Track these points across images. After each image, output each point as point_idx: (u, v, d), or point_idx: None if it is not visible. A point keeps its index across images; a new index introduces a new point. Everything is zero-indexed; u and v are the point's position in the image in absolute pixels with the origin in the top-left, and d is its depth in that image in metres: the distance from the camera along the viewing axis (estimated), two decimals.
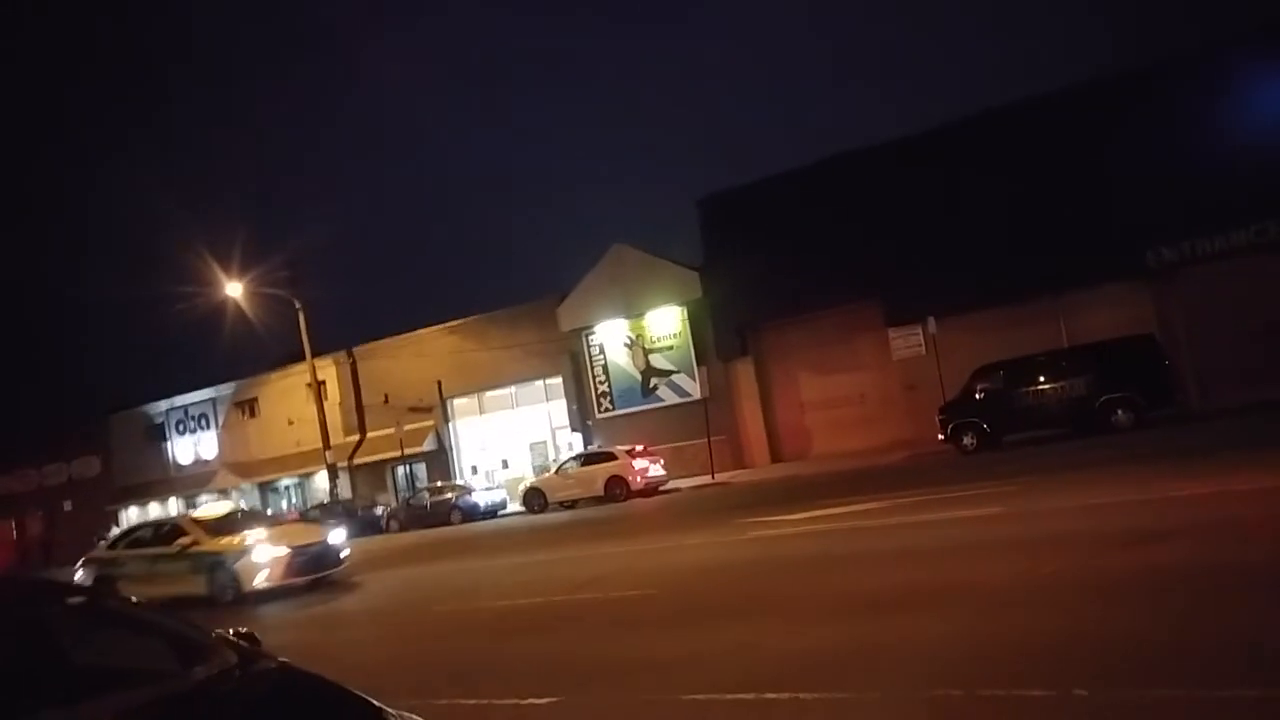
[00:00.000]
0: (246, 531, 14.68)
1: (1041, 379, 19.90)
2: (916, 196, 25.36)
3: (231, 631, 3.56)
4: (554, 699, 5.53)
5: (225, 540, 14.31)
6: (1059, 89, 24.76)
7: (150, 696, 2.86)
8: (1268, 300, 21.27)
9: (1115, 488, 10.61)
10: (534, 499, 25.89)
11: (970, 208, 24.55)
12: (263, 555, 13.90)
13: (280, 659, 3.36)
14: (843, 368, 28.20)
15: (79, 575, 15.61)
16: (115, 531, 38.17)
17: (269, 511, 36.51)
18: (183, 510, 42.44)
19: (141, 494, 43.13)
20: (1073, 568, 6.79)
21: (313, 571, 14.31)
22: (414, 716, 3.01)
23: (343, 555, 15.17)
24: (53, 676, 3.12)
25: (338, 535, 15.46)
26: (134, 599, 3.86)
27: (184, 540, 14.46)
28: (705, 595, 8.36)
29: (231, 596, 13.73)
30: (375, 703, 3.01)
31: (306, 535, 15.50)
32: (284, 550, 14.07)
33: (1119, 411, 18.69)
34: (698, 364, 29.55)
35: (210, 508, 17.21)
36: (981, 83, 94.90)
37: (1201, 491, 9.17)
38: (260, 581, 13.66)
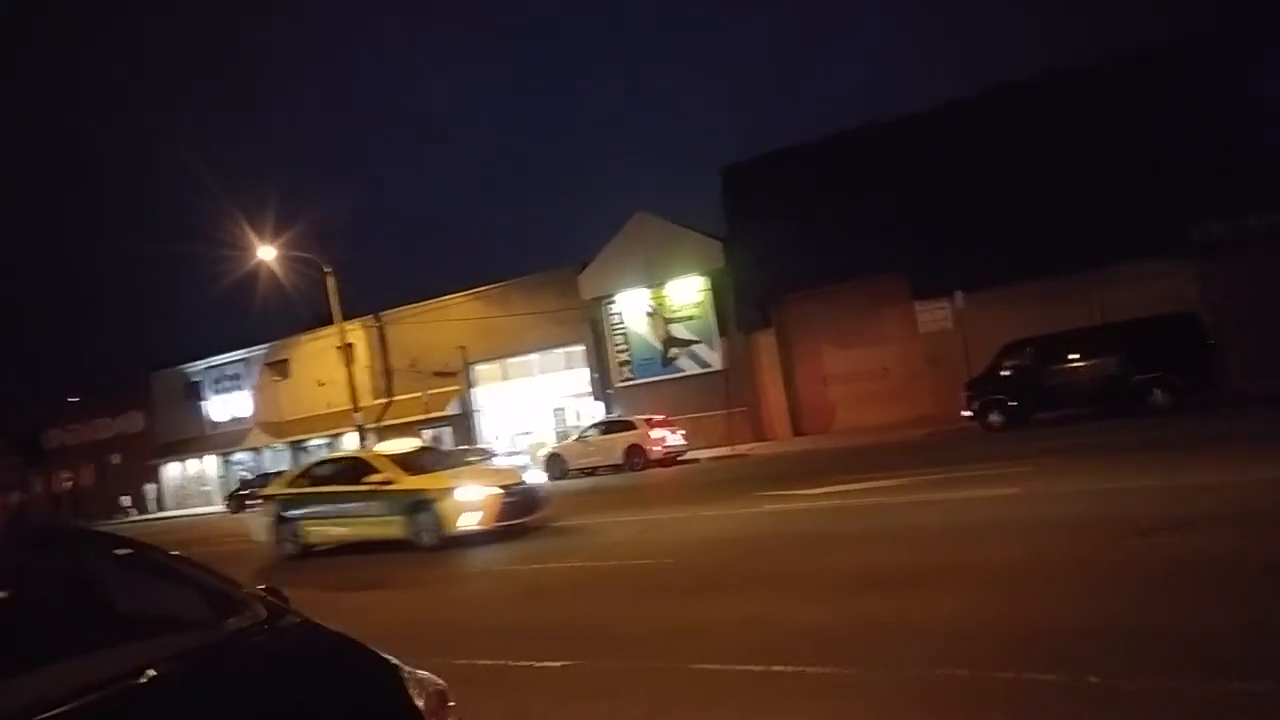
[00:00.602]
0: (445, 469, 13.39)
1: (1074, 356, 19.33)
2: (947, 167, 24.87)
3: (263, 588, 3.73)
4: (567, 662, 5.64)
5: (425, 478, 12.80)
6: (1103, 58, 24.05)
7: (187, 643, 3.03)
8: None
9: (1142, 471, 10.41)
10: (554, 465, 26.11)
11: (1003, 179, 23.95)
12: (471, 495, 12.29)
13: (304, 616, 3.48)
14: (867, 341, 28.00)
15: (258, 515, 14.51)
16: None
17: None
18: (219, 465, 43.56)
19: (180, 450, 44.50)
20: (1090, 552, 6.74)
21: (520, 516, 12.75)
22: (432, 675, 3.10)
23: (544, 500, 13.76)
24: (100, 622, 3.30)
25: (535, 477, 14.03)
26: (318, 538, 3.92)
27: (375, 478, 12.79)
28: (719, 566, 8.43)
29: (432, 541, 12.30)
30: (393, 660, 3.11)
31: (508, 476, 13.77)
32: (495, 490, 12.50)
33: (1155, 392, 17.98)
34: (719, 334, 29.49)
35: (395, 443, 14.83)
36: (1022, 52, 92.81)
37: (1232, 479, 9.00)
38: (467, 524, 12.13)
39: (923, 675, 4.49)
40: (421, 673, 3.07)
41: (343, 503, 13.17)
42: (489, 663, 5.89)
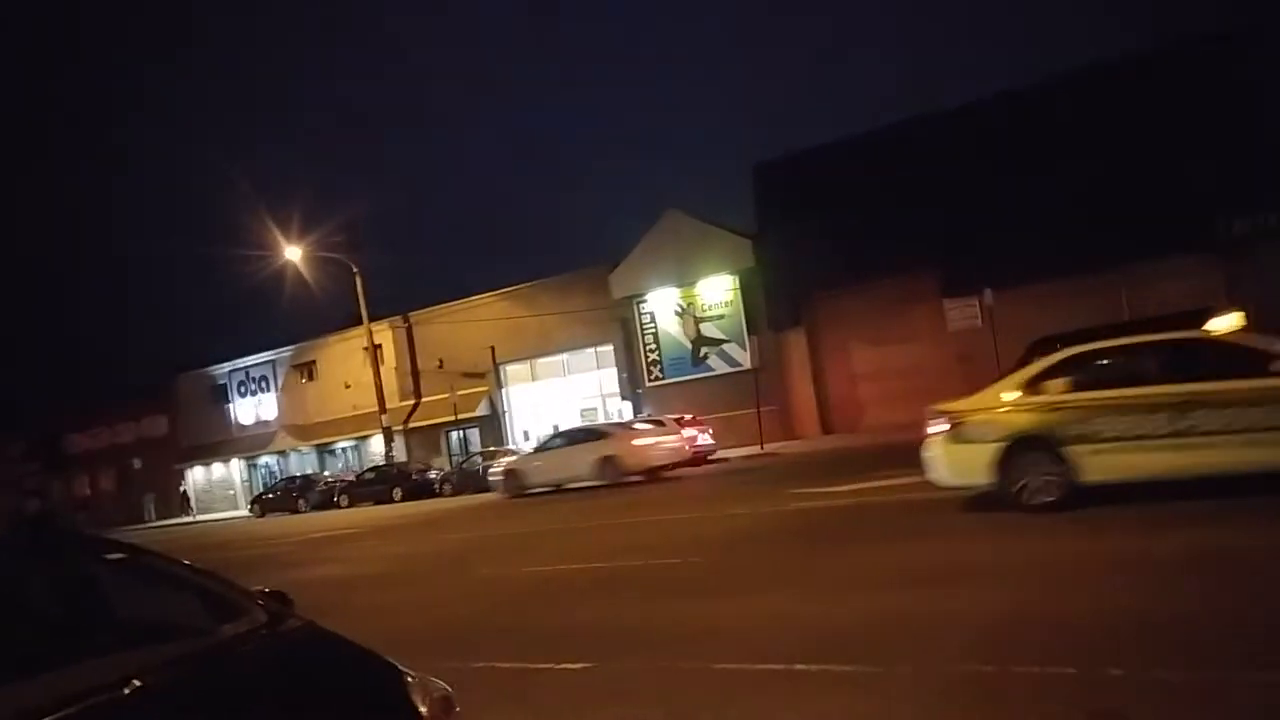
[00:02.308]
0: None
1: None
2: (976, 165, 24.72)
3: (266, 590, 3.66)
4: (588, 664, 5.58)
5: None
6: (1134, 54, 23.82)
7: (180, 651, 2.93)
8: None
9: None
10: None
11: (1033, 176, 23.79)
12: None
13: (306, 619, 3.43)
14: (896, 339, 27.74)
15: (963, 444, 9.05)
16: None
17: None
18: (243, 469, 43.83)
19: (206, 454, 44.64)
20: (1114, 547, 6.63)
21: None
22: (438, 681, 3.03)
23: None
24: (89, 631, 3.22)
25: None
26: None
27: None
28: (745, 564, 8.36)
29: None
30: (397, 665, 3.04)
31: None
32: None
33: None
34: (749, 333, 29.33)
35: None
36: (1054, 48, 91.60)
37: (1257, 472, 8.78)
38: None
39: (947, 671, 4.42)
40: (427, 678, 3.00)
41: (1206, 409, 7.59)
42: (509, 665, 5.85)
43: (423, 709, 2.83)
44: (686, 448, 22.50)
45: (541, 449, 23.47)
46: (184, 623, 3.31)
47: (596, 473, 21.15)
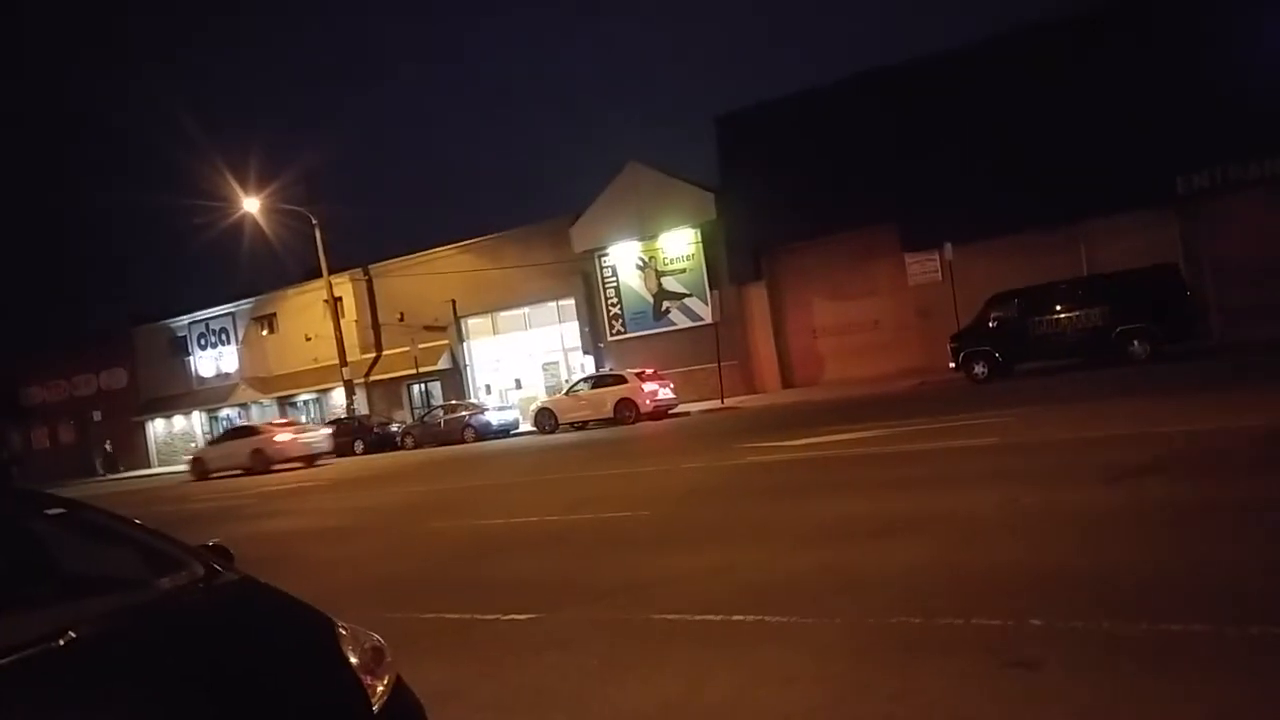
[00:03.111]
0: None
1: (1058, 308, 19.61)
2: (937, 119, 24.77)
3: (209, 545, 3.69)
4: (533, 615, 5.68)
5: None
6: (1087, 8, 23.84)
7: (117, 604, 2.97)
8: None
9: (1116, 420, 10.58)
10: (545, 419, 26.17)
11: (992, 131, 23.92)
12: None
13: (243, 573, 3.46)
14: (857, 293, 27.98)
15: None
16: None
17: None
18: (205, 421, 43.38)
19: (167, 406, 44.15)
20: (1056, 500, 6.81)
21: None
22: (371, 632, 3.08)
23: None
24: (26, 584, 3.24)
25: None
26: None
27: None
28: (693, 518, 8.49)
29: None
30: (331, 618, 3.09)
31: None
32: None
33: (1135, 343, 18.44)
34: (710, 287, 29.39)
35: None
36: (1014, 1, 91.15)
37: (1203, 427, 9.11)
38: None
39: (877, 623, 4.54)
40: (359, 629, 3.06)
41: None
42: (456, 616, 5.94)
43: (354, 659, 2.89)
44: (319, 441, 27.60)
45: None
46: (122, 576, 3.35)
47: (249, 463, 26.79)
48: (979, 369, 20.13)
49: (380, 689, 2.82)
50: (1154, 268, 19.45)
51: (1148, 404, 11.84)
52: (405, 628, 5.78)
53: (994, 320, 20.18)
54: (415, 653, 5.13)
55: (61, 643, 2.53)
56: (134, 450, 45.03)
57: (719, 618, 4.99)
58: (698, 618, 5.06)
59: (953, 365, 20.69)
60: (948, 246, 23.81)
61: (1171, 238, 22.71)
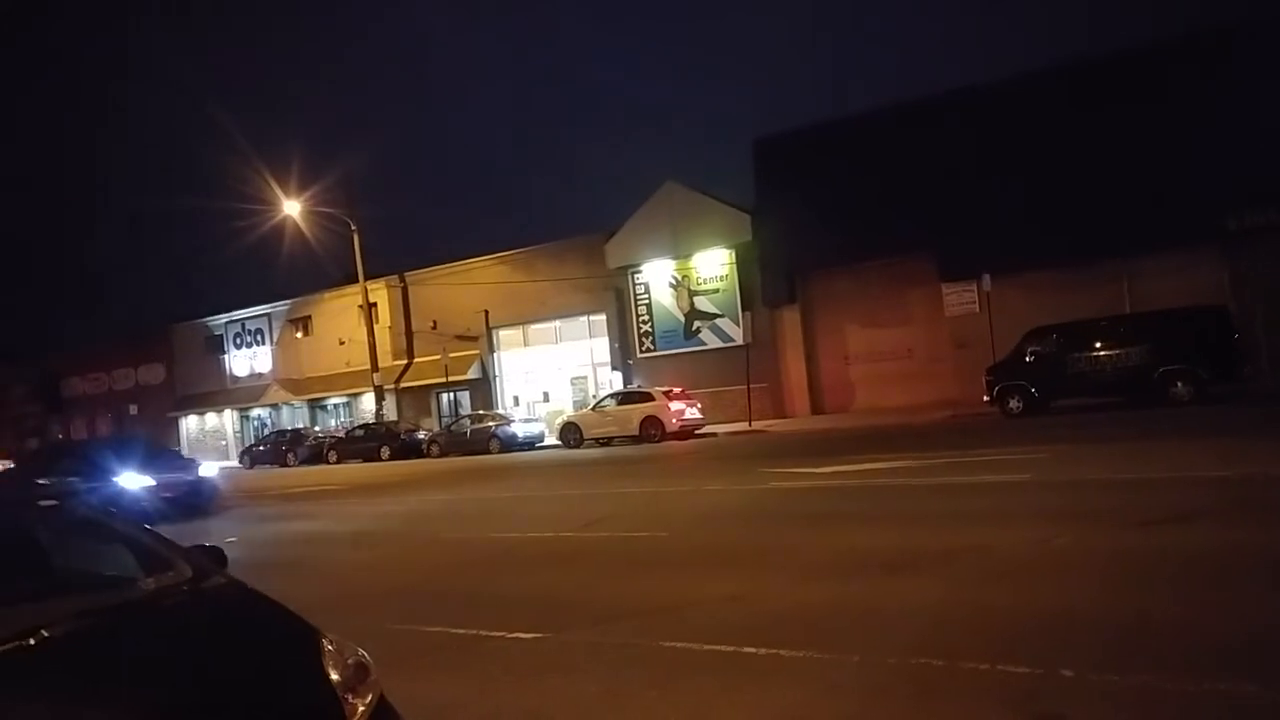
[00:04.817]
0: None
1: (1098, 344, 19.08)
2: (980, 149, 24.47)
3: (204, 546, 3.62)
4: (539, 635, 5.52)
5: None
6: (1139, 45, 23.54)
7: (96, 602, 2.91)
8: None
9: (1152, 462, 10.21)
10: (570, 434, 26.04)
11: (1035, 164, 23.57)
12: None
13: (232, 577, 3.36)
14: (892, 321, 27.62)
15: None
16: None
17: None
18: (236, 420, 43.94)
19: (200, 403, 44.77)
20: (1090, 542, 6.52)
21: None
22: (359, 649, 2.95)
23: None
24: (21, 576, 3.21)
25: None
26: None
27: None
28: (712, 542, 8.28)
29: None
30: (316, 630, 2.97)
31: None
32: None
33: (1178, 384, 17.81)
34: (743, 309, 29.16)
35: None
36: (1060, 36, 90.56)
37: (1243, 473, 8.75)
38: None
39: (897, 663, 4.32)
40: (345, 643, 2.93)
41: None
42: (462, 631, 5.79)
43: (335, 675, 2.76)
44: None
45: None
46: (110, 573, 3.28)
47: None
48: (1014, 404, 19.68)
49: (361, 709, 2.69)
50: (1201, 307, 18.90)
51: (1188, 447, 11.42)
52: (408, 640, 5.65)
53: (1031, 354, 19.73)
54: (415, 667, 5.00)
55: (32, 641, 2.47)
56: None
57: (730, 649, 4.80)
58: (708, 647, 4.87)
59: (987, 399, 20.26)
60: (986, 278, 23.42)
61: (1220, 277, 22.14)
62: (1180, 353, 17.93)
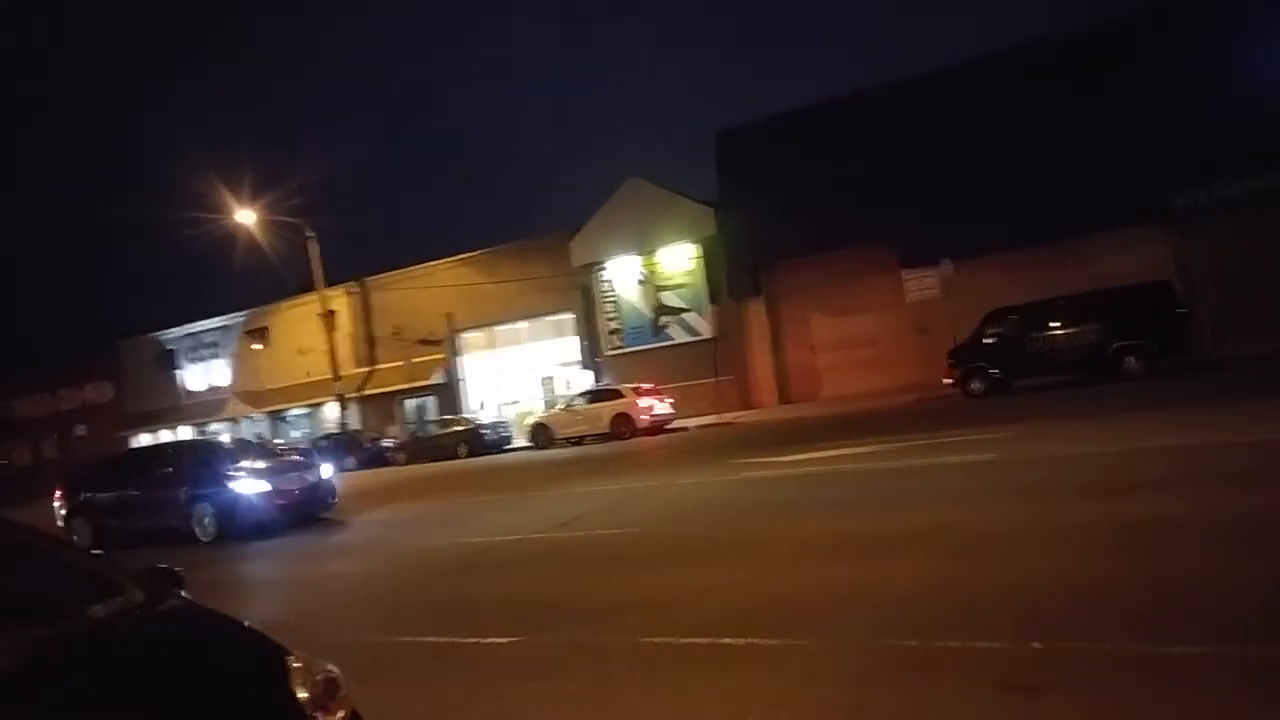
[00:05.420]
0: None
1: (1054, 324, 19.45)
2: (935, 136, 24.77)
3: (158, 567, 3.48)
4: (515, 638, 5.46)
5: None
6: (1082, 27, 23.94)
7: (42, 634, 2.73)
8: None
9: (1110, 436, 10.41)
10: (540, 435, 25.91)
11: (988, 149, 23.94)
12: None
13: (187, 598, 3.25)
14: (856, 309, 27.85)
15: None
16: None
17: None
18: (194, 436, 42.94)
19: (153, 420, 43.60)
20: (1055, 517, 6.63)
21: None
22: (328, 665, 2.86)
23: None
24: None
25: None
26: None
27: None
28: (686, 535, 8.27)
29: None
30: (281, 648, 2.87)
31: None
32: None
33: (1130, 359, 18.33)
34: (709, 302, 29.25)
35: None
36: (1012, 20, 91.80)
37: (1195, 443, 8.94)
38: None
39: (871, 646, 4.36)
40: (313, 659, 2.84)
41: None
42: (435, 640, 5.72)
43: (303, 694, 2.68)
44: None
45: None
46: (52, 603, 3.12)
47: None
48: (976, 385, 19.99)
49: None
50: (1147, 284, 19.34)
51: (1144, 420, 11.67)
52: (380, 652, 5.57)
53: (991, 336, 20.04)
54: (389, 680, 4.93)
55: None
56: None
57: (708, 640, 4.79)
58: (685, 640, 4.86)
59: (950, 381, 20.54)
60: (945, 263, 23.70)
61: (1165, 254, 22.67)
62: (1130, 329, 18.40)
